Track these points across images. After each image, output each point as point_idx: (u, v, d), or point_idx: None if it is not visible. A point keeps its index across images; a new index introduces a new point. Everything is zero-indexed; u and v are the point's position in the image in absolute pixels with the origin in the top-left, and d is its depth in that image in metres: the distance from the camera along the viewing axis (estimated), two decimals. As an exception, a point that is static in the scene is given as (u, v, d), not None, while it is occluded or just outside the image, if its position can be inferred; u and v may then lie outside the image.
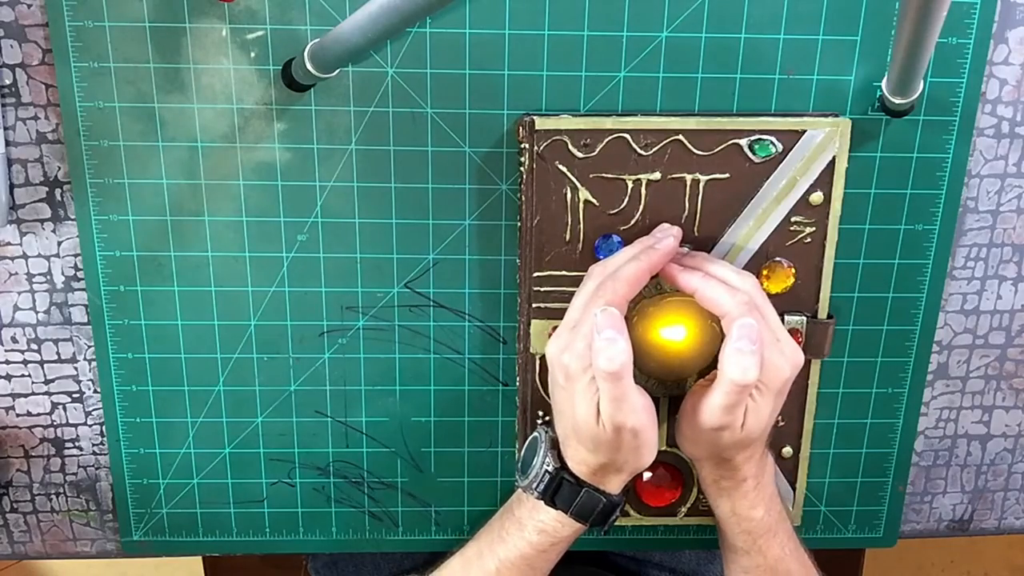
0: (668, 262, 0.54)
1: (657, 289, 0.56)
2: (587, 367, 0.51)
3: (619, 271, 0.52)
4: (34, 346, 0.63)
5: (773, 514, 0.58)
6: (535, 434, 0.59)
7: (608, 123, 0.55)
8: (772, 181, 0.57)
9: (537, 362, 0.60)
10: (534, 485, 0.55)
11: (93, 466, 0.66)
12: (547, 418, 0.61)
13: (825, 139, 0.56)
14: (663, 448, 0.62)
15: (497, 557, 0.57)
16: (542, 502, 0.55)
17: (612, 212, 0.57)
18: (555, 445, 0.56)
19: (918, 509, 0.71)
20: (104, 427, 0.64)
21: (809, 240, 0.58)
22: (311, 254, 0.60)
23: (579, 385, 0.51)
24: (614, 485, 0.55)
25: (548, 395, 0.60)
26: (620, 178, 0.56)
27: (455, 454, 0.66)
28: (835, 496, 0.68)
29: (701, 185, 0.57)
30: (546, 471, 0.55)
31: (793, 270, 0.58)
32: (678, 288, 0.54)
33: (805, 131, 0.56)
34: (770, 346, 0.51)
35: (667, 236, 0.55)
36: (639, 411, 0.51)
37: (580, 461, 0.54)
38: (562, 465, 0.55)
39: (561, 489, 0.55)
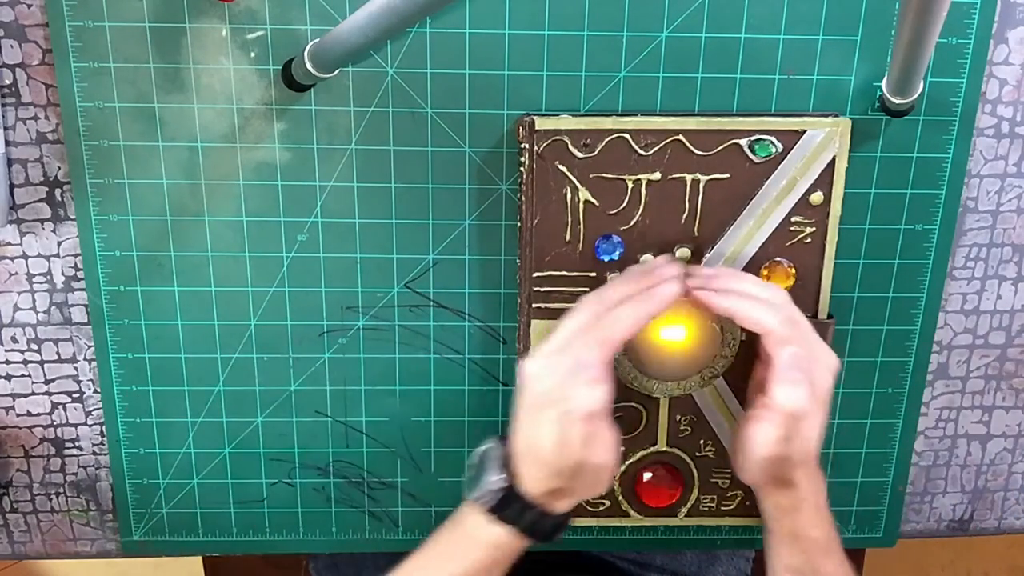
0: (695, 288, 0.52)
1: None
2: (563, 399, 0.49)
3: (619, 312, 0.50)
4: (34, 346, 0.63)
5: (830, 533, 0.57)
6: (487, 446, 0.56)
7: (608, 123, 0.55)
8: (772, 181, 0.57)
9: (537, 362, 0.60)
10: (483, 499, 0.53)
11: (93, 466, 0.66)
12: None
13: (825, 139, 0.56)
14: (664, 448, 0.62)
15: (444, 571, 0.55)
16: (490, 516, 0.53)
17: (612, 212, 0.57)
18: (507, 460, 0.54)
19: (918, 509, 0.71)
20: (104, 427, 0.64)
21: (809, 240, 0.58)
22: (311, 254, 0.60)
23: (549, 414, 0.50)
24: (563, 507, 0.53)
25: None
26: (620, 178, 0.56)
27: (455, 454, 0.66)
28: (835, 496, 0.67)
29: (701, 185, 0.57)
30: (497, 487, 0.53)
31: (793, 270, 0.58)
32: (713, 312, 0.53)
33: (805, 131, 0.56)
34: (813, 362, 0.51)
35: (670, 281, 0.52)
36: (607, 449, 0.51)
37: (533, 481, 0.52)
38: (513, 482, 0.53)
39: (511, 506, 0.53)
